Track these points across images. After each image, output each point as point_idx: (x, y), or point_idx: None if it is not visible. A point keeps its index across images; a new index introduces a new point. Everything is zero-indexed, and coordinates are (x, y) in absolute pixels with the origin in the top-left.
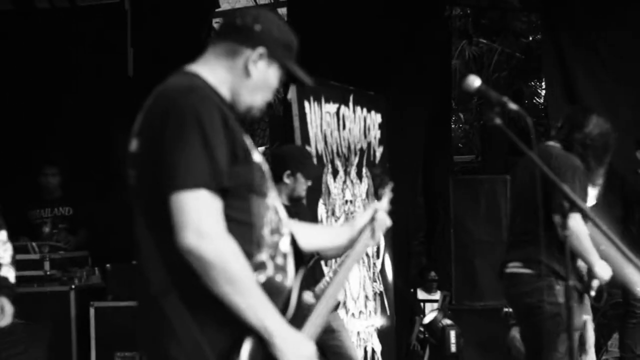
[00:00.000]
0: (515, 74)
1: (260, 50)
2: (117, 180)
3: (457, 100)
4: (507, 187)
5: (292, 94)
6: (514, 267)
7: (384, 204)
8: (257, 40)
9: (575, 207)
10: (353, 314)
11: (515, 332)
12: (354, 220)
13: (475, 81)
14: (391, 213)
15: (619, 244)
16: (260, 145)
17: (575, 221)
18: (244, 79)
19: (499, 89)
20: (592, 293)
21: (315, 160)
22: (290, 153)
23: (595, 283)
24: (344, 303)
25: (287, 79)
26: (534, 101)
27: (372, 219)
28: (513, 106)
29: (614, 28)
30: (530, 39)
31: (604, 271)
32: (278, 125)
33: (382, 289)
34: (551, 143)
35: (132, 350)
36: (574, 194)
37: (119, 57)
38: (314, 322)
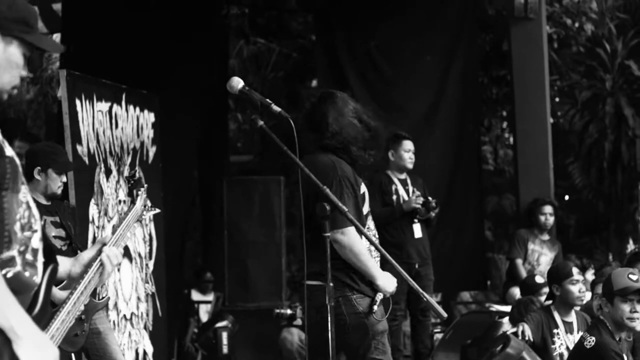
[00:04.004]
0: (293, 74)
1: None
2: None
3: (235, 100)
4: (282, 188)
5: (62, 91)
6: None
7: (137, 207)
8: None
9: (337, 210)
10: (125, 316)
11: (286, 334)
12: (79, 255)
13: (238, 83)
14: (166, 212)
15: (380, 247)
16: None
17: (345, 235)
18: None
19: (276, 89)
20: (375, 308)
21: (87, 160)
22: (40, 150)
23: (379, 297)
24: (115, 304)
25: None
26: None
27: (100, 253)
28: (276, 108)
29: (386, 32)
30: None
31: (388, 283)
32: (54, 123)
33: (154, 290)
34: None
35: None
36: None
37: None
38: (58, 328)
